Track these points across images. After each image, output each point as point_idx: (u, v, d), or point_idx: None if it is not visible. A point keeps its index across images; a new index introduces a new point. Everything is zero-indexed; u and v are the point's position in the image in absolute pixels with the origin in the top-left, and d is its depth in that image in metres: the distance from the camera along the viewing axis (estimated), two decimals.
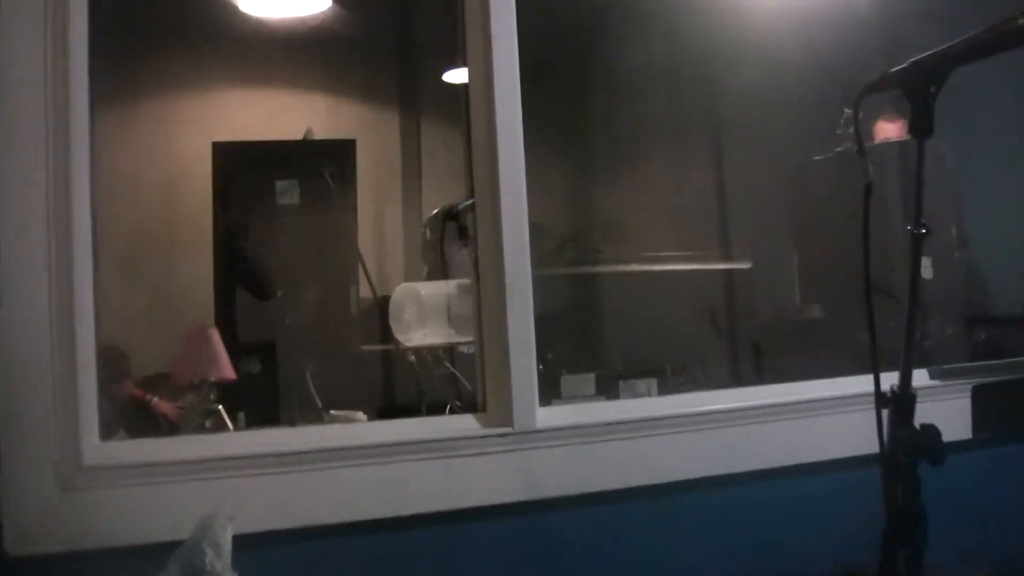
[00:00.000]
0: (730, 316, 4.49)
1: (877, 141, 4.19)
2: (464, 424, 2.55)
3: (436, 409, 3.26)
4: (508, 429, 2.52)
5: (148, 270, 3.70)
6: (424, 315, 3.58)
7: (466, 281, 3.50)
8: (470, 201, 3.56)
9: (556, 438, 2.56)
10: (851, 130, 4.20)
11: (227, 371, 2.84)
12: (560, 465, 2.55)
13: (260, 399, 3.17)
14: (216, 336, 2.83)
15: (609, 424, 2.60)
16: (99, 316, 2.16)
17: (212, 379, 2.73)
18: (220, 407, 2.64)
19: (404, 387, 3.60)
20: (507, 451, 2.52)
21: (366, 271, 3.25)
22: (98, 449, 2.18)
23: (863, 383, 2.90)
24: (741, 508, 2.68)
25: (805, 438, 2.76)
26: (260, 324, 3.32)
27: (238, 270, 3.11)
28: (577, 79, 4.56)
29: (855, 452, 2.69)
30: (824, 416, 2.82)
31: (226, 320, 3.17)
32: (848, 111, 4.18)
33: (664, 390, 3.77)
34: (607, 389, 3.60)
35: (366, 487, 2.37)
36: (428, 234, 3.83)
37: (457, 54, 2.71)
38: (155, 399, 3.06)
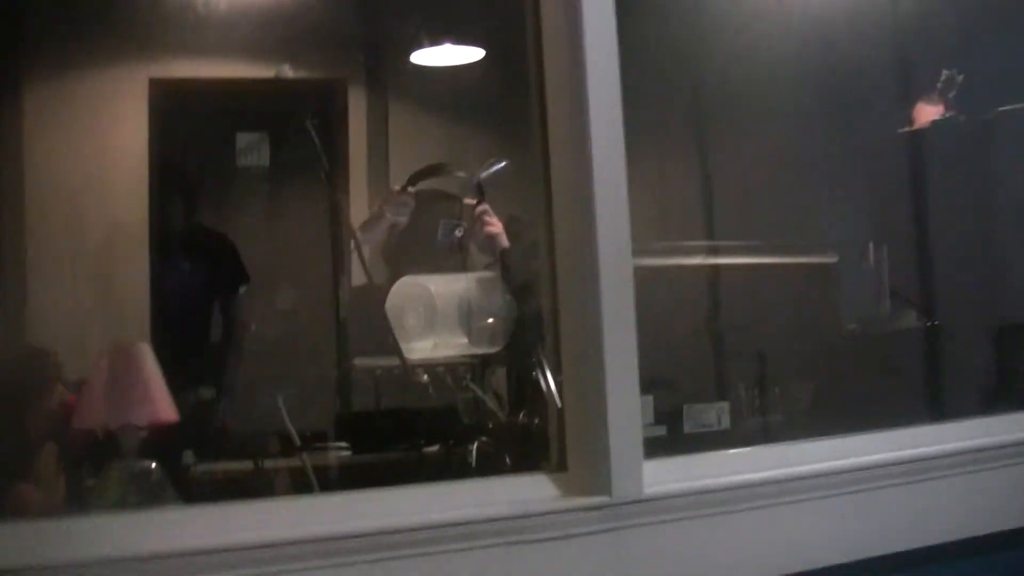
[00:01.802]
0: (801, 324, 3.66)
1: (917, 126, 3.55)
2: (536, 491, 1.68)
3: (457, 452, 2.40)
4: (604, 499, 1.67)
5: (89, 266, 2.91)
6: (434, 319, 2.67)
7: (488, 274, 2.69)
8: (499, 165, 2.72)
9: (675, 509, 1.69)
10: (952, 95, 3.55)
11: (164, 411, 1.88)
12: (684, 549, 1.68)
13: (214, 438, 2.26)
14: (149, 358, 1.87)
15: (753, 486, 1.73)
16: None
17: (141, 424, 1.79)
18: (154, 465, 1.71)
19: (412, 416, 2.70)
20: (604, 531, 1.66)
21: (361, 256, 2.34)
22: None
23: None
24: None
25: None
26: (215, 332, 2.41)
27: (199, 249, 2.23)
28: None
29: None
30: None
31: (168, 329, 2.25)
32: (947, 72, 3.47)
33: (740, 417, 2.96)
34: (665, 415, 2.77)
35: None
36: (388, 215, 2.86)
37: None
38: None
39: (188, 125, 2.31)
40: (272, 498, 1.77)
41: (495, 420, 2.47)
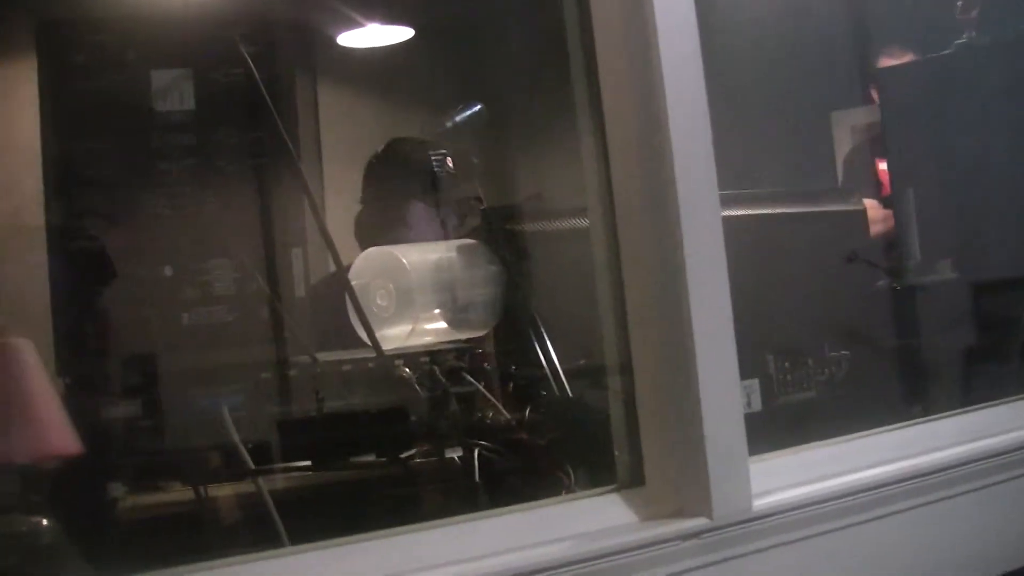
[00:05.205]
0: (822, 282, 3.24)
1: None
2: (608, 516, 1.18)
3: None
4: (703, 521, 1.18)
5: None
6: (410, 298, 2.18)
7: (469, 242, 2.24)
8: (472, 108, 2.35)
9: (800, 526, 1.21)
10: (975, 13, 3.26)
11: (61, 441, 1.31)
12: None
13: (142, 466, 1.72)
14: (33, 358, 1.27)
15: (899, 481, 1.26)
16: None
17: (29, 460, 1.23)
18: (45, 522, 1.15)
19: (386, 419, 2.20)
20: (707, 565, 1.16)
21: (319, 220, 1.83)
22: None
23: None
24: None
25: None
26: (135, 329, 1.87)
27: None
28: None
29: None
30: None
31: (75, 327, 1.72)
32: None
33: (771, 396, 2.53)
34: None
35: None
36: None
37: None
38: None
39: (88, 62, 1.79)
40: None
41: (498, 421, 1.99)
